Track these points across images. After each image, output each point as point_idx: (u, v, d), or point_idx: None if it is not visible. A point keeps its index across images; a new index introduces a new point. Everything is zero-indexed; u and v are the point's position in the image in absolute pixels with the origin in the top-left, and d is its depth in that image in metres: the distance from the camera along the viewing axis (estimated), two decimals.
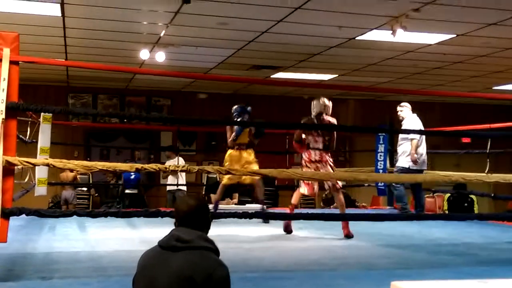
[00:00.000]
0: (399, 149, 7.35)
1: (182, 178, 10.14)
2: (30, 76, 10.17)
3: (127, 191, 11.07)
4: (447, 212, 8.98)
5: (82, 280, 3.61)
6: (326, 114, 5.95)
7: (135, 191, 11.10)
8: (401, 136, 7.40)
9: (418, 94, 12.97)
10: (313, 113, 6.03)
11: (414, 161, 7.16)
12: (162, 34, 7.70)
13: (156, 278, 2.33)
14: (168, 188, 10.14)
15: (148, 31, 7.59)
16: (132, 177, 10.84)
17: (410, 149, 7.14)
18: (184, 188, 10.25)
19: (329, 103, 6.05)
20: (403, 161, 7.20)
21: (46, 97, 11.37)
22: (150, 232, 5.64)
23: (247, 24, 7.11)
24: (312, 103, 6.10)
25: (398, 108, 7.49)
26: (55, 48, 8.48)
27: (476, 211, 8.70)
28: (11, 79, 3.57)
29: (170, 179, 10.13)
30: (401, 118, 7.48)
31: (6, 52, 3.56)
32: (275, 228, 6.38)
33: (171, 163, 9.73)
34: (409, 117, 7.43)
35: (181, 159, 10.21)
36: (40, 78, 10.94)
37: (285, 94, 13.06)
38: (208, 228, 2.56)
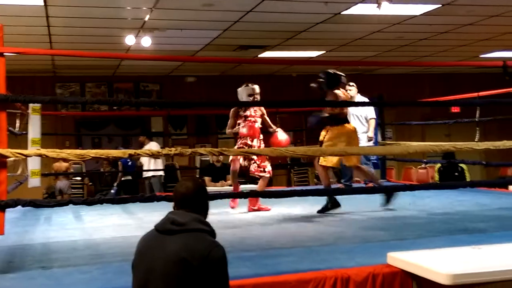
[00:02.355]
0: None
1: (160, 164, 10.05)
2: (16, 67, 10.08)
3: (123, 178, 11.08)
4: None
5: (82, 268, 3.63)
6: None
7: (129, 178, 11.10)
8: (357, 115, 7.37)
9: (406, 65, 12.99)
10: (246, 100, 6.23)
11: (371, 140, 7.46)
12: (146, 19, 7.63)
13: (154, 262, 2.36)
14: (144, 174, 10.06)
15: (132, 16, 7.53)
16: (130, 163, 10.82)
17: (363, 128, 7.16)
18: (161, 173, 10.20)
19: (258, 89, 6.33)
20: (363, 139, 7.17)
21: (33, 88, 11.29)
22: (147, 218, 5.66)
23: (231, 4, 7.07)
24: (240, 90, 6.31)
25: (347, 87, 7.46)
26: (39, 38, 8.40)
27: (467, 180, 8.77)
28: None
29: (150, 164, 10.01)
30: (350, 97, 7.43)
31: None
32: (271, 207, 6.42)
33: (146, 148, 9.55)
34: (358, 97, 7.47)
35: (155, 143, 10.13)
36: (26, 69, 10.84)
37: (274, 73, 13.04)
38: (207, 210, 2.58)
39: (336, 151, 5.05)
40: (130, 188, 10.77)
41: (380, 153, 7.65)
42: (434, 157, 10.49)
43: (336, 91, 5.70)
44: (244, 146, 6.14)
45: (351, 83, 7.41)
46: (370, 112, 7.67)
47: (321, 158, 5.66)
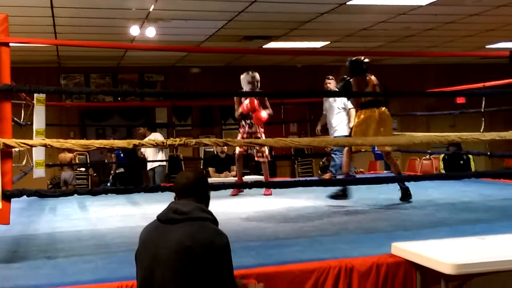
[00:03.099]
0: (336, 119, 7.24)
1: (163, 155, 10.08)
2: (20, 58, 10.08)
3: (118, 171, 11.11)
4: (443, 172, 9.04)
5: (86, 257, 3.65)
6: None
7: (121, 170, 11.12)
8: (337, 106, 7.34)
9: (412, 56, 12.93)
10: (247, 87, 6.67)
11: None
12: (151, 9, 7.62)
13: (157, 251, 2.37)
14: (156, 163, 10.07)
15: (137, 6, 7.51)
16: (122, 155, 10.84)
17: (347, 118, 7.18)
18: (165, 163, 10.23)
19: (258, 76, 6.73)
20: (344, 129, 7.16)
21: (38, 79, 11.30)
22: (151, 208, 5.66)
23: None
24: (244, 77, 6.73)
25: (326, 81, 7.44)
26: (44, 28, 8.39)
27: (473, 169, 8.76)
28: (2, 61, 3.54)
29: (154, 155, 10.03)
30: (329, 90, 7.41)
31: None
32: (275, 198, 6.44)
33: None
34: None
35: (158, 134, 10.13)
36: (31, 60, 10.84)
37: (278, 63, 13.00)
38: (208, 200, 2.59)
39: (340, 142, 5.04)
40: (124, 180, 10.77)
41: (385, 143, 7.62)
42: (438, 148, 10.46)
43: (361, 77, 5.79)
44: (248, 136, 6.56)
45: (330, 77, 7.37)
46: (349, 102, 7.61)
47: None
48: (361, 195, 6.14)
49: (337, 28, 9.35)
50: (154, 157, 9.95)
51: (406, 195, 5.74)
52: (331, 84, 7.35)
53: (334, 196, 5.87)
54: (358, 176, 7.65)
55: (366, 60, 5.90)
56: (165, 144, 3.87)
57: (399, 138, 6.00)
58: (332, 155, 7.34)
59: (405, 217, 4.95)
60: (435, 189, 6.58)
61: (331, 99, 7.31)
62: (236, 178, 7.38)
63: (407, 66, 13.82)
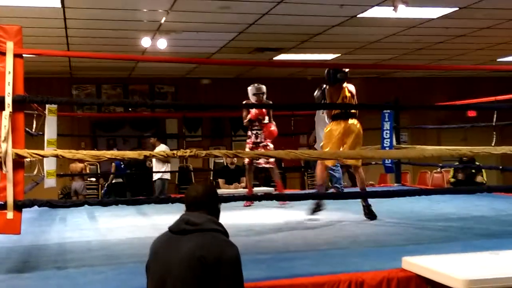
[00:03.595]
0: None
1: (166, 167, 10.07)
2: (33, 69, 10.17)
3: (114, 180, 11.14)
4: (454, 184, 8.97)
5: (97, 268, 3.65)
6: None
7: (119, 180, 11.14)
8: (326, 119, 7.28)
9: (423, 69, 12.91)
10: (253, 99, 6.84)
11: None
12: (162, 21, 7.67)
13: (168, 262, 2.37)
14: (157, 176, 10.05)
15: (148, 18, 7.57)
16: (122, 166, 10.85)
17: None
18: (168, 176, 10.22)
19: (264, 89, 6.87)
20: None
21: (50, 89, 11.39)
22: (161, 219, 5.67)
23: (248, 6, 7.08)
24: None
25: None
26: (57, 39, 8.48)
27: (484, 179, 8.69)
28: (16, 72, 3.57)
29: (157, 167, 10.04)
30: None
31: (10, 45, 3.56)
32: (285, 210, 6.41)
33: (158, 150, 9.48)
34: None
35: (164, 146, 10.14)
36: (43, 70, 10.94)
37: (289, 76, 13.03)
38: (218, 213, 2.59)
39: (351, 155, 5.03)
40: (120, 190, 10.76)
41: (396, 156, 7.58)
42: (449, 161, 10.41)
43: (335, 86, 5.75)
44: (255, 146, 6.76)
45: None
46: None
47: None
48: (373, 208, 6.10)
49: (348, 40, 9.37)
50: (156, 169, 9.97)
51: (369, 212, 5.58)
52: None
53: (312, 212, 5.72)
54: (368, 189, 7.59)
55: (345, 70, 5.84)
56: (175, 155, 3.88)
57: (410, 151, 5.96)
58: (330, 172, 7.18)
59: (416, 231, 4.92)
60: (447, 202, 6.53)
61: (320, 111, 7.19)
62: (246, 191, 7.38)
63: (418, 79, 13.80)
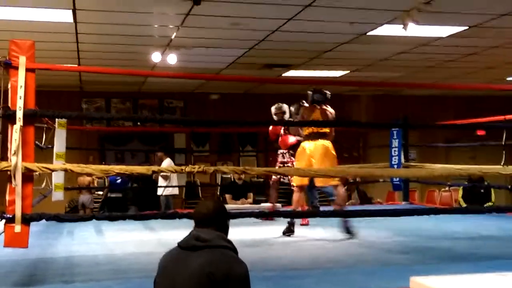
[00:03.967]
0: None
1: (175, 181, 10.08)
2: (43, 82, 10.21)
3: (112, 195, 11.14)
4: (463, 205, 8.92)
5: (103, 283, 3.65)
6: None
7: (119, 195, 11.16)
8: None
9: (432, 88, 12.90)
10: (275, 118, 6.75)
11: None
12: (173, 37, 7.73)
13: (177, 278, 2.37)
14: (160, 192, 10.05)
15: (159, 34, 7.63)
16: (118, 181, 10.86)
17: None
18: (176, 190, 10.21)
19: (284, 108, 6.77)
20: None
21: (60, 103, 11.44)
22: (168, 234, 5.67)
23: (257, 23, 7.12)
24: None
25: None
26: (68, 54, 8.56)
27: (493, 199, 8.63)
28: (27, 86, 3.62)
29: (160, 182, 10.05)
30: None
31: (22, 60, 3.61)
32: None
33: (164, 165, 9.46)
34: None
35: (169, 160, 10.14)
36: (53, 84, 11.02)
37: (297, 92, 13.03)
38: (227, 230, 2.60)
39: (360, 173, 5.02)
40: (118, 206, 10.76)
41: (405, 175, 7.55)
42: (458, 180, 10.35)
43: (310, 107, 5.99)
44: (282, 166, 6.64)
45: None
46: None
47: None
48: (380, 226, 6.08)
49: (357, 57, 9.39)
50: (161, 184, 9.99)
51: (347, 230, 5.59)
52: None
53: (286, 232, 5.80)
54: (376, 207, 7.56)
55: (326, 92, 5.99)
56: (183, 170, 3.89)
57: (419, 170, 5.94)
58: (324, 190, 7.08)
59: (423, 250, 4.89)
60: (455, 222, 6.48)
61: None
62: (265, 204, 7.38)
63: (427, 97, 13.78)
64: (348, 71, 10.59)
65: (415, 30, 6.82)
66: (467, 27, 7.44)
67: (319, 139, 5.72)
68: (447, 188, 10.33)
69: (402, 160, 8.30)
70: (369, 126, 5.77)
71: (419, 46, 8.52)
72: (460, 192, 8.78)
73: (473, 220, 6.68)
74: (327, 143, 5.75)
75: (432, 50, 8.81)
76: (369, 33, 7.66)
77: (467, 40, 8.15)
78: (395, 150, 8.26)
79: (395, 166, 8.14)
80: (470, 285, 3.07)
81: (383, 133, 8.45)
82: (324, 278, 3.66)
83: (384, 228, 6.05)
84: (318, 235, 5.83)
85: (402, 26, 6.76)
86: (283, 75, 10.68)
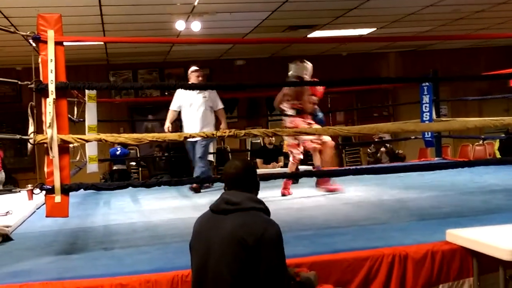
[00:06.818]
0: (204, 119, 6.88)
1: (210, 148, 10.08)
2: (70, 57, 10.29)
3: (115, 167, 11.25)
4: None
5: (141, 248, 3.73)
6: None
7: (124, 167, 11.25)
8: (207, 103, 6.98)
9: (462, 39, 12.57)
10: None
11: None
12: (196, 3, 7.68)
13: (211, 241, 2.41)
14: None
15: (182, 1, 7.59)
16: (118, 153, 10.94)
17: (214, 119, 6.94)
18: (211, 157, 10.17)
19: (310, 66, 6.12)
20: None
21: (87, 77, 11.57)
22: (201, 200, 5.76)
23: None
24: (293, 66, 6.17)
25: (189, 76, 7.21)
26: (93, 27, 8.60)
27: None
28: (57, 59, 3.65)
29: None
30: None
31: (51, 33, 3.64)
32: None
33: None
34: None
35: None
36: (80, 58, 11.12)
37: (323, 53, 12.90)
38: (257, 189, 2.62)
39: (391, 129, 4.96)
40: (123, 178, 10.83)
41: (437, 129, 7.43)
42: (491, 133, 10.17)
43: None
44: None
45: (195, 72, 7.06)
46: (220, 102, 7.06)
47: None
48: (413, 182, 6.04)
49: (384, 13, 9.19)
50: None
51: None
52: (192, 79, 7.02)
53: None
54: (408, 163, 7.49)
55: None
56: (215, 135, 3.91)
57: (453, 123, 5.84)
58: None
59: (458, 203, 4.84)
60: (490, 174, 6.39)
61: (195, 93, 6.85)
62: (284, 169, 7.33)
63: (457, 50, 13.47)
64: (375, 28, 10.39)
65: None
66: None
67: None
68: (481, 142, 10.17)
69: (434, 116, 8.16)
70: (399, 82, 5.68)
71: None
72: (497, 145, 8.64)
73: (509, 172, 6.57)
74: None
75: (460, 1, 8.56)
76: None
77: None
78: (426, 106, 8.11)
79: (427, 122, 8.02)
80: (508, 234, 3.05)
81: (413, 90, 8.30)
82: (361, 235, 3.67)
83: (417, 183, 6.02)
84: (352, 193, 5.83)
85: None
86: (308, 36, 10.54)
